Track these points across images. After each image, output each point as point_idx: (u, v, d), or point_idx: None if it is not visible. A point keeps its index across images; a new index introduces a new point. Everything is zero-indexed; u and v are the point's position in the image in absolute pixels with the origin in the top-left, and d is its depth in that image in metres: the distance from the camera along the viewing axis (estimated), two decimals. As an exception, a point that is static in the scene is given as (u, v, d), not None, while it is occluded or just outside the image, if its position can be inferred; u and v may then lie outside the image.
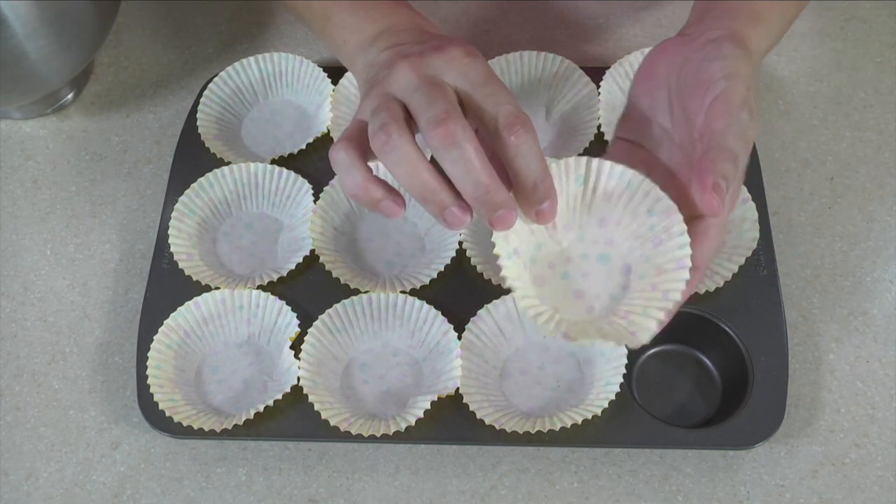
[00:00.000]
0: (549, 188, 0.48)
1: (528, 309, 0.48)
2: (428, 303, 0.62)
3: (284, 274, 0.64)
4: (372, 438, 0.57)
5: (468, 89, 0.48)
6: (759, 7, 0.56)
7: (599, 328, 0.49)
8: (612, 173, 0.50)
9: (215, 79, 0.73)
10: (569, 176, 0.50)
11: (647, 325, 0.48)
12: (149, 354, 0.61)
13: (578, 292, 0.51)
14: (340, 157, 0.48)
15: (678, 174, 0.52)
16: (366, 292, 0.63)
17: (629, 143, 0.55)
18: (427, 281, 0.63)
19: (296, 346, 0.61)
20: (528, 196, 0.48)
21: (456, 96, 0.48)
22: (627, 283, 0.51)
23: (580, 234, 0.51)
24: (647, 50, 0.71)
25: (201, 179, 0.67)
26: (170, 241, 0.65)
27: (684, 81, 0.52)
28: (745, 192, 0.65)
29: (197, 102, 0.72)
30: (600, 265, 0.51)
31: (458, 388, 0.59)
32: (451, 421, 0.59)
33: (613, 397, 0.57)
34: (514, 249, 0.49)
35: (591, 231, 0.51)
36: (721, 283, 0.62)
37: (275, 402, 0.59)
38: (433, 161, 0.47)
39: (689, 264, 0.48)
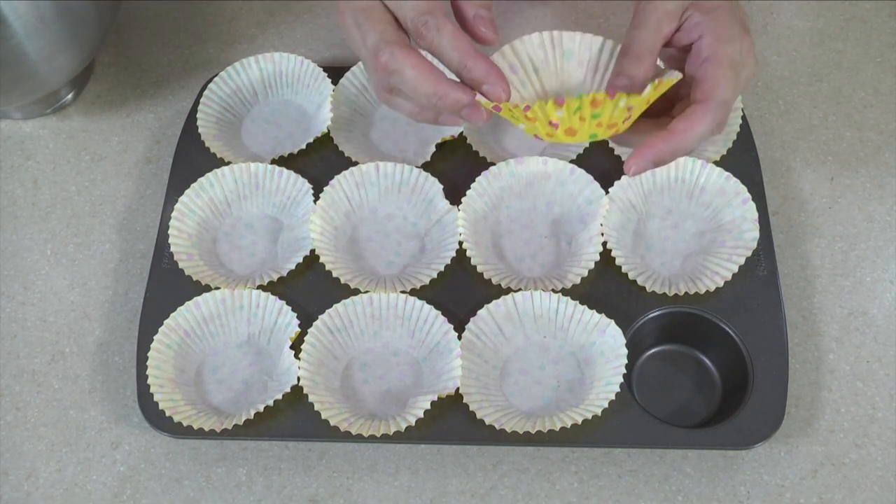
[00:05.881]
0: (480, 72, 0.51)
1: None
2: (428, 303, 0.62)
3: (284, 274, 0.64)
4: (372, 438, 0.57)
5: (390, 2, 0.52)
6: None
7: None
8: (597, 46, 0.55)
9: (215, 79, 0.73)
10: (548, 48, 0.55)
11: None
12: (149, 354, 0.61)
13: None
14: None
15: None
16: (366, 292, 0.63)
17: None
18: (427, 281, 0.63)
19: (296, 346, 0.61)
20: (466, 82, 0.51)
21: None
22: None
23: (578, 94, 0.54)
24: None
25: (201, 179, 0.67)
26: (170, 241, 0.65)
27: None
28: (745, 192, 0.65)
29: (197, 102, 0.72)
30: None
31: (458, 388, 0.59)
32: (451, 421, 0.59)
33: (613, 397, 0.57)
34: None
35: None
36: (721, 283, 0.62)
37: (275, 402, 0.59)
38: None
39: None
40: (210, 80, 0.73)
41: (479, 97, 0.52)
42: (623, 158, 0.68)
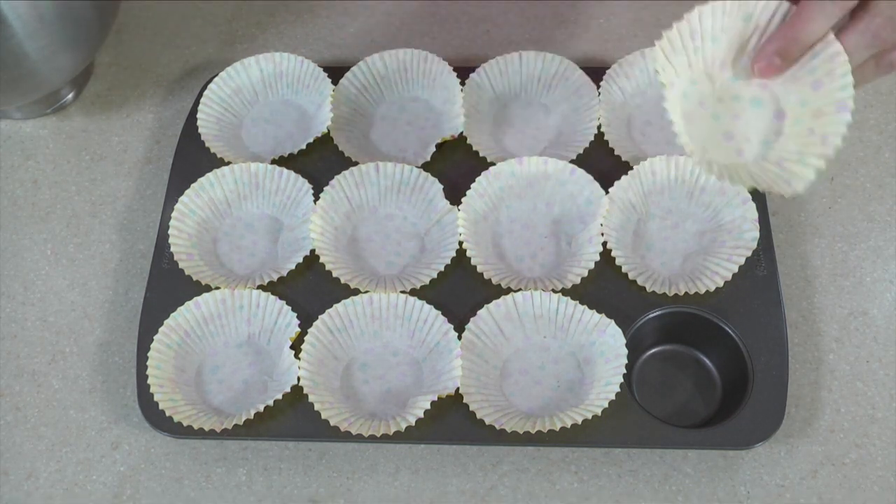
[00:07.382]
0: (777, 48, 0.48)
1: (684, 146, 0.48)
2: (428, 303, 0.62)
3: (284, 274, 0.64)
4: (372, 438, 0.57)
5: None
6: None
7: (751, 173, 0.48)
8: (778, 11, 0.49)
9: (215, 79, 0.73)
10: (734, 14, 0.50)
11: (804, 174, 0.47)
12: (149, 354, 0.61)
13: (728, 134, 0.50)
14: None
15: None
16: (366, 292, 0.63)
17: None
18: (427, 281, 0.63)
19: (296, 346, 0.61)
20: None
21: None
22: (781, 129, 0.49)
23: (734, 75, 0.51)
24: (647, 50, 0.71)
25: (201, 179, 0.67)
26: (170, 241, 0.65)
27: None
28: (745, 192, 0.65)
29: (197, 102, 0.72)
30: (752, 108, 0.50)
31: (458, 388, 0.59)
32: (451, 421, 0.59)
33: (613, 397, 0.57)
34: (670, 82, 0.49)
35: (747, 73, 0.50)
36: (721, 283, 0.62)
37: (275, 402, 0.59)
38: None
39: (851, 106, 0.46)
40: (210, 80, 0.73)
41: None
42: (623, 159, 0.68)
